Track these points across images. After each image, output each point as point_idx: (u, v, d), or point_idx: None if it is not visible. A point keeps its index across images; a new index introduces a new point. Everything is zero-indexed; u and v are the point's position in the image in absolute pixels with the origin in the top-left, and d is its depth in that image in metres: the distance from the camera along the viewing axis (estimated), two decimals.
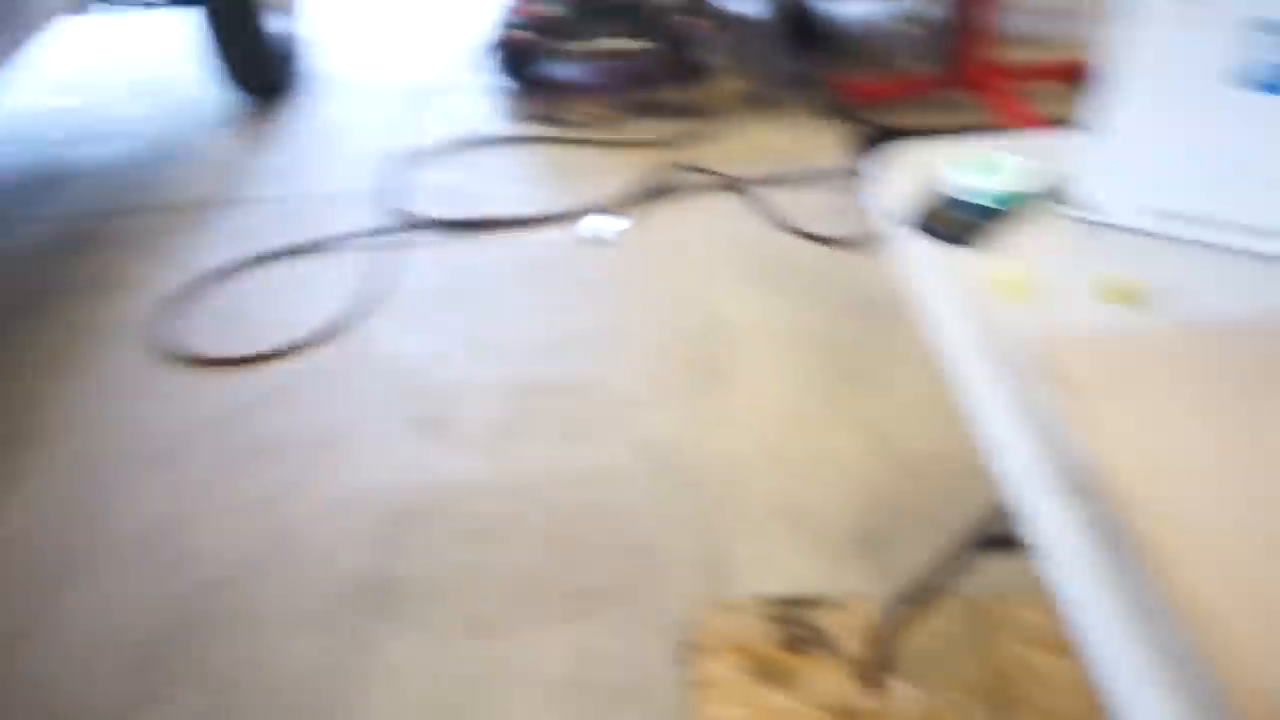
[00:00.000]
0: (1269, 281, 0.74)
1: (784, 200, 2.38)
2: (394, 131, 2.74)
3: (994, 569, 1.07)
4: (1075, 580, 0.54)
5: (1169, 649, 0.49)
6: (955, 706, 1.27)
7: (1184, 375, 0.65)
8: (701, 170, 2.50)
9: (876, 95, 2.77)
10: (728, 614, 1.41)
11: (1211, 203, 0.75)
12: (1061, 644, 1.26)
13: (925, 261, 0.78)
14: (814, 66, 2.93)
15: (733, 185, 2.44)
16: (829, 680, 1.31)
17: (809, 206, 2.34)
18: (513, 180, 2.56)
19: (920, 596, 1.23)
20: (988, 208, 0.81)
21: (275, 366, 1.91)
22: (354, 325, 2.01)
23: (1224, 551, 0.53)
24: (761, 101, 2.83)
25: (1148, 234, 0.78)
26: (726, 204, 2.40)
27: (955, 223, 0.79)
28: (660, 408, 1.80)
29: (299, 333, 1.97)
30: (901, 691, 1.29)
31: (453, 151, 2.65)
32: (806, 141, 2.61)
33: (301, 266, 2.21)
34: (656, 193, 2.42)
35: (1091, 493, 0.57)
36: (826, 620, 1.39)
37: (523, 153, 2.68)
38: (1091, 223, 0.80)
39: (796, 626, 1.39)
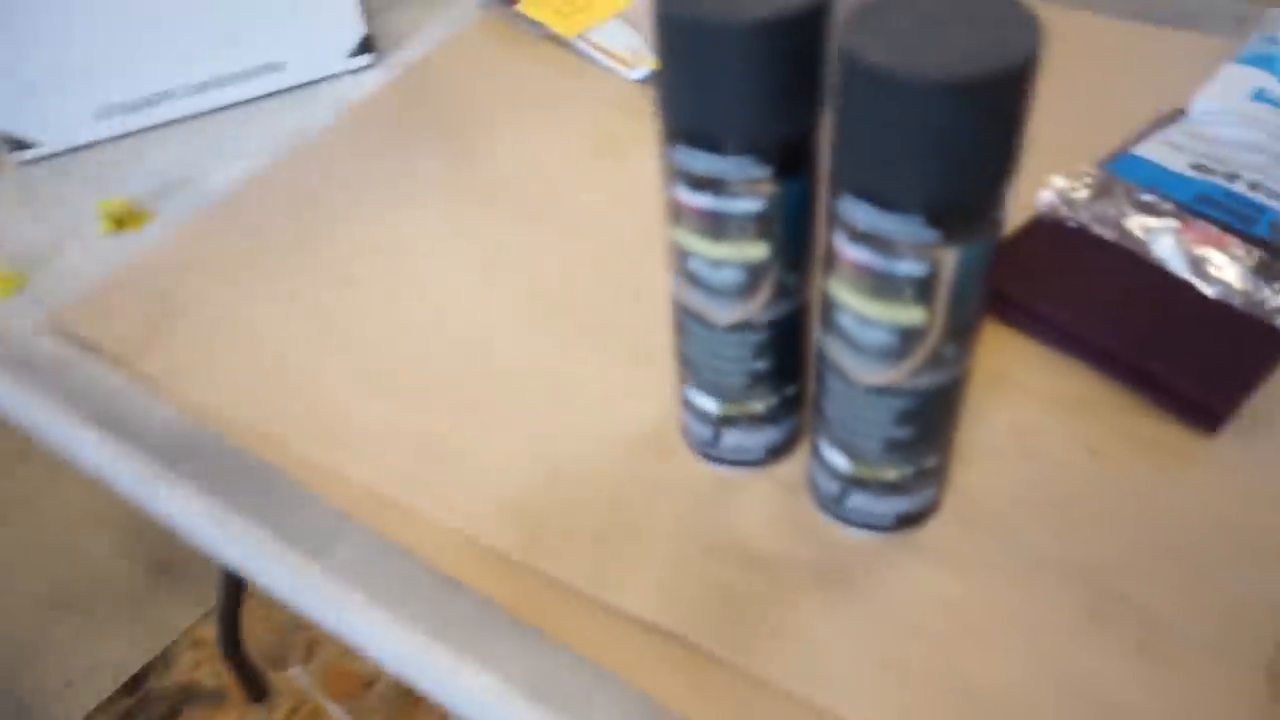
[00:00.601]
0: (263, 125, 0.67)
1: None
2: None
3: None
4: (227, 539, 0.44)
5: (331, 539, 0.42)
6: (343, 653, 1.19)
7: (206, 268, 0.56)
8: None
9: None
10: None
11: (165, 74, 0.64)
12: None
13: None
14: None
15: None
16: None
17: None
18: None
19: (234, 591, 1.09)
20: None
21: None
22: None
23: (357, 429, 0.47)
24: None
25: (113, 139, 0.66)
26: None
27: None
28: None
29: None
30: (290, 678, 1.18)
31: None
32: None
33: None
34: None
35: (196, 441, 0.46)
36: (178, 676, 1.20)
37: None
38: (52, 157, 0.65)
39: (153, 704, 1.18)
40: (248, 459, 0.46)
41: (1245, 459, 0.42)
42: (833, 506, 0.40)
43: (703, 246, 0.35)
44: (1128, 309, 0.47)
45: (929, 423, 0.35)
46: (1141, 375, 0.45)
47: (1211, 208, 0.50)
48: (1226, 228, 0.49)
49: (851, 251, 0.31)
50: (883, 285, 0.31)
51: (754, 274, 0.35)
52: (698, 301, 0.37)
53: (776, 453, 0.43)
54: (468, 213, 0.58)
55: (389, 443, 0.46)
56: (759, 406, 0.40)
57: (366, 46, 0.68)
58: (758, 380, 0.39)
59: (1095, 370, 0.46)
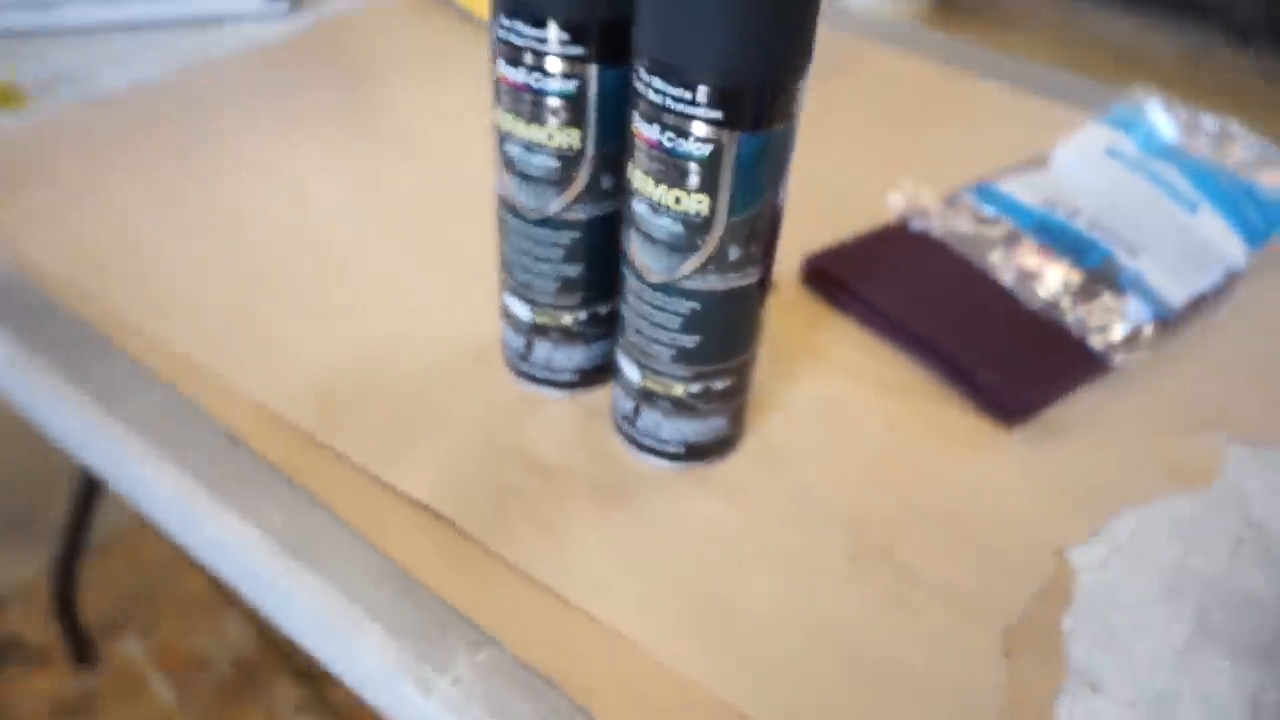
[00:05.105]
0: (172, 45, 0.68)
1: None
2: None
3: None
4: (23, 381, 0.44)
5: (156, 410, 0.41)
6: (170, 640, 1.15)
7: (77, 149, 0.56)
8: None
9: None
10: None
11: None
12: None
13: None
14: None
15: None
16: (40, 684, 1.09)
17: None
18: None
19: (74, 548, 1.05)
20: None
21: None
22: None
23: (197, 296, 0.47)
24: None
25: (13, 32, 0.66)
26: None
27: None
28: None
29: None
30: (122, 650, 1.13)
31: None
32: None
33: None
34: None
35: (19, 290, 0.46)
36: (3, 628, 1.15)
37: None
38: None
39: None
40: (65, 313, 0.46)
41: (1029, 456, 0.44)
42: (626, 428, 0.41)
43: (518, 128, 0.36)
44: (951, 306, 0.48)
45: (715, 333, 0.36)
46: (952, 366, 0.46)
47: (1048, 235, 0.52)
48: (1058, 255, 0.51)
49: (645, 130, 0.32)
50: (670, 168, 0.32)
51: (566, 163, 0.36)
52: (513, 191, 0.38)
53: (586, 379, 0.43)
54: (344, 144, 0.59)
55: (211, 314, 0.46)
56: (569, 319, 0.41)
57: None
58: (568, 287, 0.40)
59: (914, 360, 0.48)
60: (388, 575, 0.36)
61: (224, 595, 1.18)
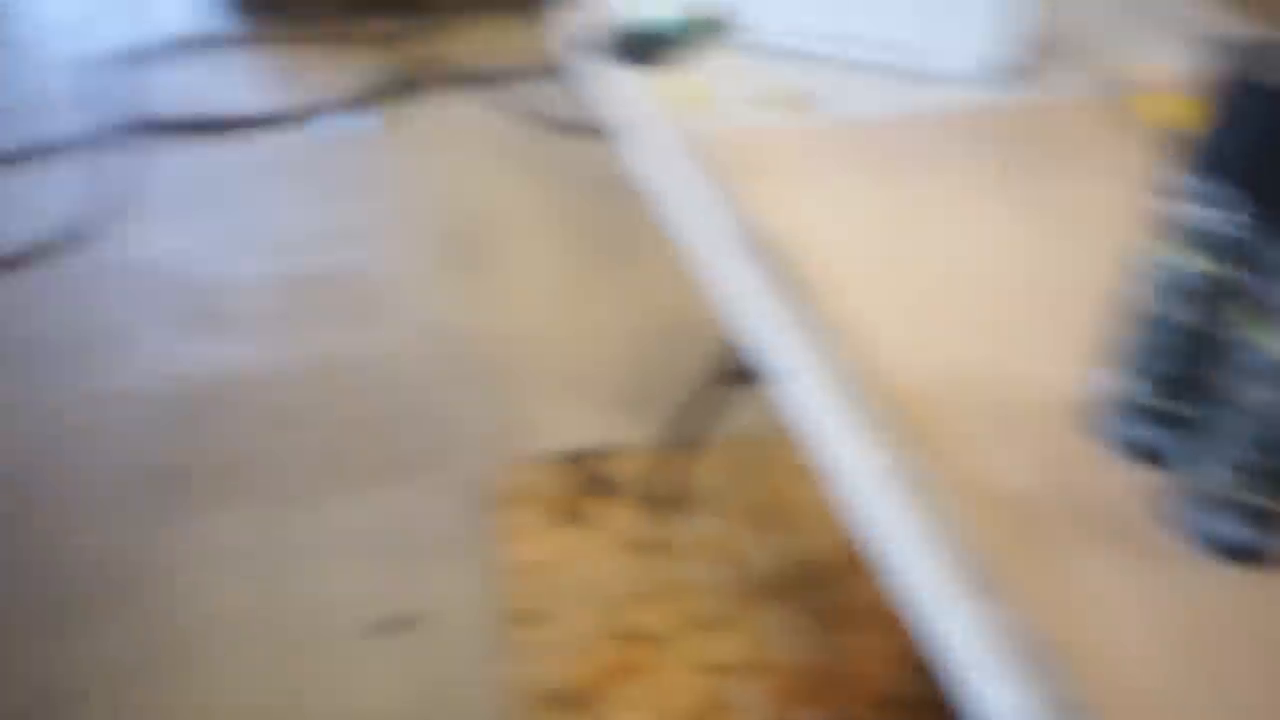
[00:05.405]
0: (902, 87, 0.86)
1: (527, 92, 2.40)
2: (100, 30, 2.65)
3: (752, 414, 1.32)
4: (754, 313, 0.65)
5: (831, 358, 0.59)
6: (730, 532, 1.40)
7: (843, 161, 0.76)
8: (437, 65, 2.49)
9: None
10: (526, 470, 1.49)
11: (852, 22, 0.87)
12: (810, 478, 1.40)
13: (619, 82, 0.87)
14: None
15: (470, 79, 2.45)
16: (621, 518, 1.42)
17: (551, 97, 2.37)
18: (241, 79, 2.50)
19: (688, 435, 1.34)
20: (665, 33, 0.90)
21: (24, 274, 1.85)
22: (102, 229, 1.96)
23: (875, 283, 0.64)
24: None
25: (802, 52, 0.89)
26: (468, 98, 2.41)
27: (640, 48, 0.88)
28: (436, 292, 1.84)
29: (43, 239, 1.91)
30: (685, 523, 1.41)
31: (171, 51, 2.56)
32: (537, 33, 2.51)
33: (25, 175, 2.13)
34: (396, 90, 2.41)
35: (771, 251, 0.67)
36: (615, 468, 1.49)
37: (244, 51, 2.62)
38: (755, 43, 0.90)
39: (589, 476, 1.48)
40: (790, 266, 0.66)
41: None
42: (1169, 508, 0.49)
43: (1170, 252, 0.46)
44: None
45: None
46: None
47: None
48: None
49: (1271, 285, 0.40)
50: None
51: (1199, 285, 0.45)
52: (1147, 292, 0.48)
53: (1152, 457, 0.52)
54: (1010, 206, 0.72)
55: (875, 302, 0.63)
56: (1160, 405, 0.50)
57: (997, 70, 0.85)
58: (1166, 381, 0.49)
59: None
60: (957, 527, 0.50)
61: (801, 517, 1.40)
